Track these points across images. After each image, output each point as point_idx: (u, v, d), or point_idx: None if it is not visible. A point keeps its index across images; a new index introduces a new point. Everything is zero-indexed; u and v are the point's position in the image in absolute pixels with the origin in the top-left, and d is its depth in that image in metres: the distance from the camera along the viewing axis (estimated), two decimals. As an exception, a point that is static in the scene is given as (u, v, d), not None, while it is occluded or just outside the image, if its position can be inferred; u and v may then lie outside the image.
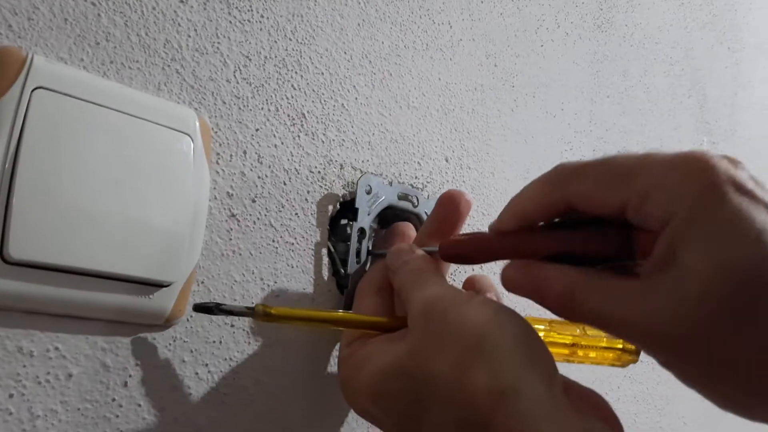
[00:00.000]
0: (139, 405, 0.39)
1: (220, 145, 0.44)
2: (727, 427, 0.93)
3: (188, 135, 0.40)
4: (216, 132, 0.43)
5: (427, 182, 0.57)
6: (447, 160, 0.60)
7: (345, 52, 0.52)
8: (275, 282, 0.46)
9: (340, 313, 0.42)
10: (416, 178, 0.56)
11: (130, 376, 0.38)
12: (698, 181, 0.29)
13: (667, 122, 0.91)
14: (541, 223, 0.37)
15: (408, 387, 0.34)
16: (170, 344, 0.40)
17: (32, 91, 0.34)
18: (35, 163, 0.33)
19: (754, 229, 0.27)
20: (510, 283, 0.36)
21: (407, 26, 0.56)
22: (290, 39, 0.48)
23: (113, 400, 0.38)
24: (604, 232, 0.34)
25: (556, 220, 0.37)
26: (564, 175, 0.34)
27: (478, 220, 0.62)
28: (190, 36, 0.42)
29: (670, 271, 0.29)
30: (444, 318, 0.34)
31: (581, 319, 0.33)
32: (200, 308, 0.38)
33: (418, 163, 0.57)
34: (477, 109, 0.63)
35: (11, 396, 0.34)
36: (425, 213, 0.55)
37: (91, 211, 0.35)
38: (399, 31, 0.56)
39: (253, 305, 0.37)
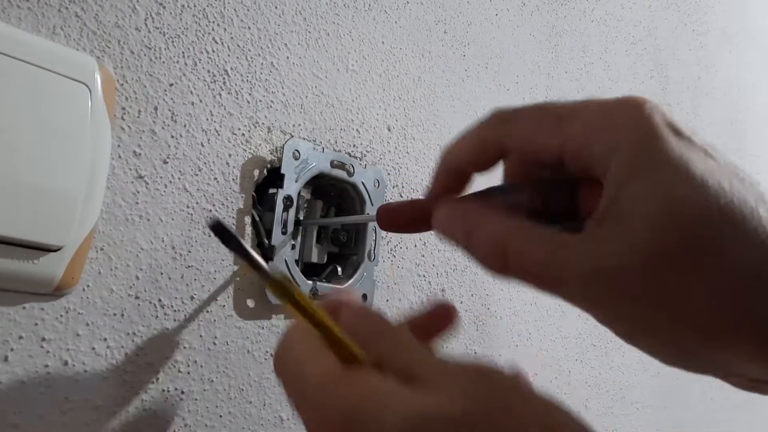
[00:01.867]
0: (23, 382, 0.35)
1: (127, 99, 0.40)
2: (680, 414, 0.92)
3: (85, 85, 0.36)
4: (122, 84, 0.39)
5: (367, 151, 0.54)
6: (389, 129, 0.56)
7: (276, 7, 0.48)
8: (189, 251, 0.42)
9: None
10: (354, 146, 0.53)
11: (11, 350, 0.35)
12: (637, 125, 0.26)
13: (627, 102, 0.88)
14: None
15: None
16: (62, 316, 0.36)
17: None
18: None
19: (698, 173, 0.25)
20: (440, 224, 0.32)
21: (347, -17, 0.53)
22: (212, -12, 0.44)
23: (-9, 375, 0.34)
24: (547, 187, 0.31)
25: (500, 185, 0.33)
26: (499, 118, 0.31)
27: (422, 194, 0.58)
28: (92, -24, 0.38)
29: (615, 220, 0.26)
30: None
31: (512, 273, 0.29)
32: (216, 227, 0.30)
33: (357, 130, 0.53)
34: (424, 77, 0.60)
35: None
36: (362, 183, 0.52)
37: (-39, 162, 0.31)
38: (338, -12, 0.52)
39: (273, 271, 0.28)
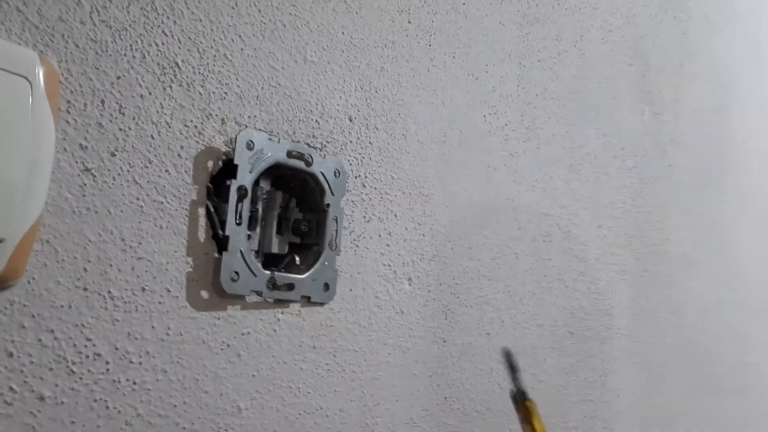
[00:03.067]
0: (-34, 373, 0.35)
1: (72, 92, 0.40)
2: (662, 400, 0.92)
3: (26, 78, 0.36)
4: (67, 78, 0.40)
5: (327, 142, 0.54)
6: (351, 120, 0.56)
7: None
8: (140, 243, 0.42)
9: None
10: (314, 137, 0.53)
11: (-46, 341, 0.35)
12: None
13: (605, 90, 0.88)
14: None
15: None
16: (6, 308, 0.37)
17: None
18: None
19: None
20: None
21: (304, -26, 0.53)
22: (161, -19, 0.44)
23: (-68, 367, 0.34)
24: None
25: None
26: None
27: (386, 184, 0.59)
28: (34, -30, 0.39)
29: None
30: None
31: None
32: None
33: (317, 121, 0.53)
34: (387, 67, 0.60)
35: None
36: (321, 174, 0.52)
37: None
38: (294, -21, 0.52)
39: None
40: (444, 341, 0.63)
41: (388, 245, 0.58)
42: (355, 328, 0.55)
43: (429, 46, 0.64)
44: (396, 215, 0.59)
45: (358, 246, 0.56)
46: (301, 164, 0.51)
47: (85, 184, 0.40)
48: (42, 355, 0.38)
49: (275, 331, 0.50)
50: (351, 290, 0.55)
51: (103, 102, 0.41)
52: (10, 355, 0.37)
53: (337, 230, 0.53)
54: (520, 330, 0.72)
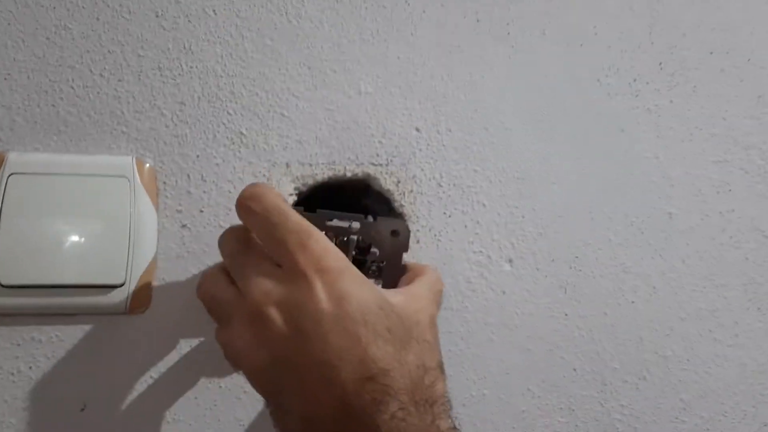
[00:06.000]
0: (124, 370, 0.55)
1: (166, 174, 0.58)
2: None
3: (125, 177, 0.56)
4: (161, 166, 0.58)
5: (393, 157, 0.62)
6: (418, 130, 0.63)
7: (279, 69, 0.61)
8: (230, 270, 0.58)
9: None
10: (377, 155, 0.62)
11: (113, 351, 0.55)
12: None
13: None
14: None
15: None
16: (144, 327, 0.56)
17: (8, 177, 0.54)
18: (11, 223, 0.53)
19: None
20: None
21: (351, 20, 0.63)
22: (221, 76, 0.60)
23: (102, 367, 0.55)
24: None
25: None
26: None
27: (468, 178, 0.63)
28: (129, 102, 0.58)
29: None
30: None
31: None
32: None
33: (379, 141, 0.62)
34: (455, 72, 0.64)
35: (30, 368, 0.54)
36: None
37: (52, 246, 0.53)
38: (340, 29, 0.62)
39: None
40: (566, 315, 0.63)
41: (477, 233, 0.63)
42: (445, 312, 0.61)
43: (508, 34, 0.66)
44: (484, 204, 0.63)
45: (440, 240, 0.62)
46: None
47: (184, 236, 0.58)
48: (167, 358, 0.56)
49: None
50: (436, 281, 0.61)
51: (188, 176, 0.58)
52: (150, 360, 0.56)
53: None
54: (685, 293, 0.65)
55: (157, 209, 0.57)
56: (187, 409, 0.57)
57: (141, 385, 0.56)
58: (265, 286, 0.41)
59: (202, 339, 0.57)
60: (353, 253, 0.50)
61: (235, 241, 0.46)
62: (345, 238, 0.49)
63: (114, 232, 0.55)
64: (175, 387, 0.57)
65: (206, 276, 0.48)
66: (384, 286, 0.51)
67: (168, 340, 0.57)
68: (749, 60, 0.69)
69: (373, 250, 0.50)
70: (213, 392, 0.58)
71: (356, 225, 0.49)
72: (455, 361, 0.61)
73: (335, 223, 0.49)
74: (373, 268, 0.50)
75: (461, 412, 0.61)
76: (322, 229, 0.48)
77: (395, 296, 0.42)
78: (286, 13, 0.61)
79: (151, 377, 0.56)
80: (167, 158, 0.58)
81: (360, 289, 0.40)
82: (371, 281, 0.42)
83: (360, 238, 0.49)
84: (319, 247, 0.41)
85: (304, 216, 0.44)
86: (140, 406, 0.56)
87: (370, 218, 0.51)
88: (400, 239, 0.49)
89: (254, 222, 0.44)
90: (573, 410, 0.63)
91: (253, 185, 0.45)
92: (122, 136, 0.58)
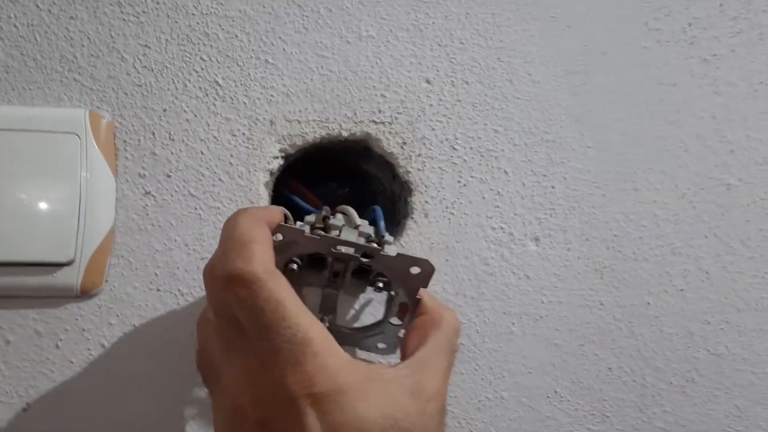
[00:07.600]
0: (71, 362, 0.47)
1: (127, 132, 0.49)
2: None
3: (75, 133, 0.47)
4: (120, 121, 0.49)
5: (398, 113, 0.52)
6: (428, 82, 0.53)
7: (263, 6, 0.51)
8: (202, 245, 0.49)
9: None
10: (379, 111, 0.52)
11: (60, 339, 0.47)
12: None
13: None
14: None
15: None
16: (95, 311, 0.47)
17: (-66, 131, 0.45)
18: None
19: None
20: None
21: (343, -47, 0.52)
22: (193, 14, 0.50)
23: (47, 359, 0.47)
24: None
25: None
26: None
27: (488, 140, 0.53)
28: (84, 45, 0.49)
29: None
30: None
31: None
32: None
33: (382, 95, 0.52)
34: (474, 11, 0.54)
35: (-38, 359, 0.46)
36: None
37: (-17, 213, 0.44)
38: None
39: None
40: (601, 304, 0.53)
41: (497, 206, 0.53)
42: (458, 299, 0.51)
43: (538, -31, 0.55)
44: (506, 171, 0.53)
45: (453, 214, 0.52)
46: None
47: (147, 205, 0.49)
48: (129, 343, 0.48)
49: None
50: (447, 260, 0.52)
51: (153, 133, 0.49)
52: (103, 346, 0.47)
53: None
54: (744, 281, 0.55)
55: (115, 173, 0.48)
56: (146, 401, 0.49)
57: (93, 379, 0.48)
58: (243, 400, 0.32)
59: (163, 326, 0.48)
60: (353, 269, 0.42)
61: (216, 336, 0.36)
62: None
63: (61, 200, 0.46)
64: (132, 380, 0.48)
65: (199, 326, 0.40)
66: (387, 315, 0.42)
67: (125, 327, 0.48)
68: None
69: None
70: (173, 383, 0.49)
71: (368, 253, 0.38)
72: (469, 357, 0.52)
73: (344, 250, 0.38)
74: (380, 284, 0.40)
75: (475, 417, 0.52)
76: (328, 254, 0.38)
77: (402, 389, 0.33)
78: (272, -62, 0.51)
79: (105, 369, 0.48)
80: (128, 112, 0.49)
81: (361, 414, 0.30)
82: (379, 382, 0.32)
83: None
84: (315, 363, 0.30)
85: (310, 236, 0.38)
86: (92, 403, 0.47)
87: (393, 247, 0.39)
88: (421, 275, 0.38)
89: (240, 313, 0.33)
90: (607, 417, 0.54)
91: (239, 249, 0.34)
92: (74, 84, 0.48)
